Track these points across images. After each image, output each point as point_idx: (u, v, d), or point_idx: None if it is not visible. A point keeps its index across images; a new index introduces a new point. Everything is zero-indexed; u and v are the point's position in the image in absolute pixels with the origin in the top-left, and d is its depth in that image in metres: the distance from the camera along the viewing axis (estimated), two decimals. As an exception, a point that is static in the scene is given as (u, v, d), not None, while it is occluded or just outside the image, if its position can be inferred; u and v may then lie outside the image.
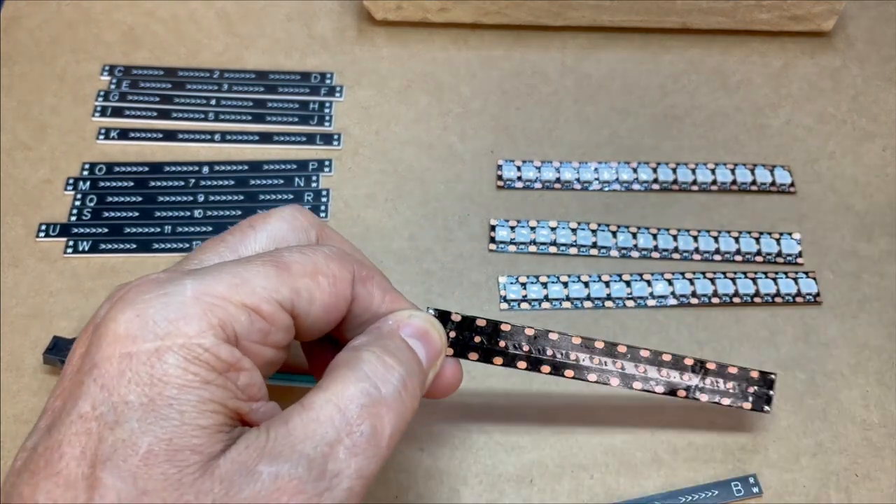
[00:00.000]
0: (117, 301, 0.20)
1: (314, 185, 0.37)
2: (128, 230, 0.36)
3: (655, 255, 0.36)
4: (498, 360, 0.28)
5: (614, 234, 0.36)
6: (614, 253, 0.36)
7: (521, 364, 0.28)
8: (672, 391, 0.29)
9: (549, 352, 0.28)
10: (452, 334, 0.27)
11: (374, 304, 0.24)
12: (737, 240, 0.36)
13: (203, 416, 0.19)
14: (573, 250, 0.36)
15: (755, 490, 0.30)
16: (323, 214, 0.36)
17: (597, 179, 0.38)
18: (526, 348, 0.28)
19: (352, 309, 0.24)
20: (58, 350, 0.31)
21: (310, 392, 0.21)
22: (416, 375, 0.23)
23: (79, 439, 0.19)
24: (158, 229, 0.36)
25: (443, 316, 0.27)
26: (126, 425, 0.19)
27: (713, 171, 0.38)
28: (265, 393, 0.22)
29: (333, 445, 0.20)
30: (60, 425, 0.19)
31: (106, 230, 0.36)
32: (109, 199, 0.37)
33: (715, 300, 0.34)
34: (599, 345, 0.28)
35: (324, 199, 0.37)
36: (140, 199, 0.37)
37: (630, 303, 0.34)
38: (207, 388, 0.19)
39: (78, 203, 0.36)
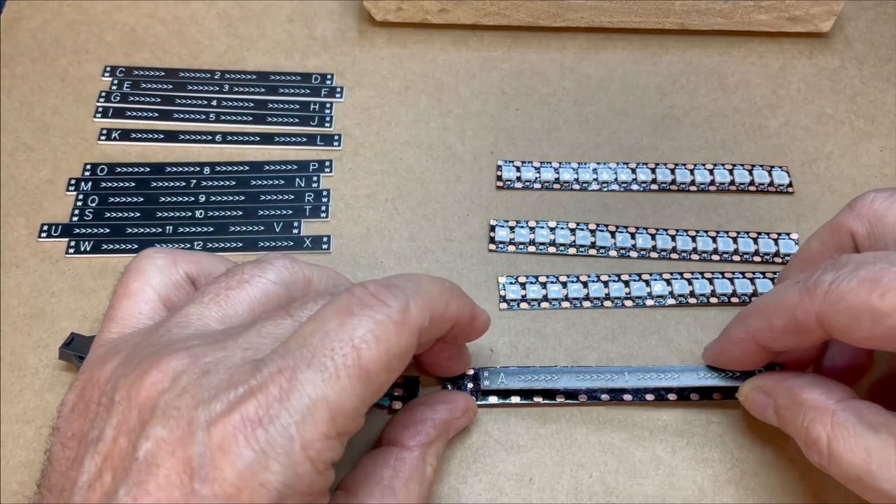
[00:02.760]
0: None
1: (315, 185, 0.38)
2: (129, 230, 0.36)
3: (654, 255, 0.36)
4: (515, 398, 0.31)
5: (613, 234, 0.36)
6: (613, 253, 0.36)
7: (538, 398, 0.31)
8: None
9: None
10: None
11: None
12: (735, 240, 0.36)
13: None
14: (572, 250, 0.36)
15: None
16: (323, 215, 0.37)
17: (595, 180, 0.38)
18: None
19: None
20: (75, 346, 0.31)
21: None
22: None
23: None
24: (160, 230, 0.36)
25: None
26: None
27: (711, 172, 0.38)
28: None
29: None
30: None
31: (108, 230, 0.36)
32: (111, 199, 0.37)
33: (713, 300, 0.34)
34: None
35: (324, 200, 0.37)
36: (141, 199, 0.37)
37: (628, 303, 0.34)
38: None
39: (80, 203, 0.37)
